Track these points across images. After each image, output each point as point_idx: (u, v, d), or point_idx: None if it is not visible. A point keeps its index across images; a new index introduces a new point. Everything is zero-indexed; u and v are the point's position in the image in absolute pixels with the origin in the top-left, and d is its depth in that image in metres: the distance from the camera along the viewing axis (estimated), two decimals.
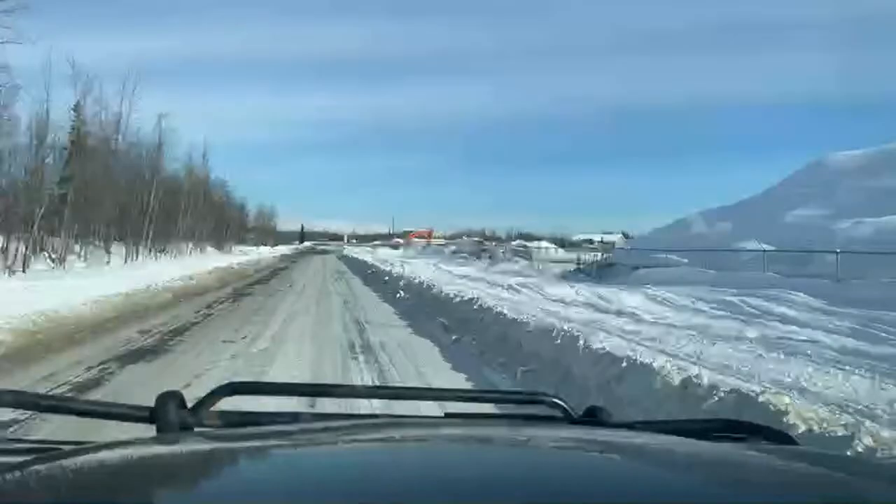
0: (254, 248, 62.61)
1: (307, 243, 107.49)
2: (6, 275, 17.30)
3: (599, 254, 34.08)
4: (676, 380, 4.86)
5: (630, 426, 1.09)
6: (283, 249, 75.52)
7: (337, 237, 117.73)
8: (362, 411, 1.45)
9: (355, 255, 49.27)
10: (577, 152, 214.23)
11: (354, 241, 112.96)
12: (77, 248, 24.54)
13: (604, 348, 6.07)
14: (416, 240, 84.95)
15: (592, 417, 1.12)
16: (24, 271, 18.76)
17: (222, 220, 50.16)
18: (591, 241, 64.92)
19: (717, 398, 4.40)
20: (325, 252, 78.11)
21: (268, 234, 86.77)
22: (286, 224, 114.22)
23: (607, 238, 66.89)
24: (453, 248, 59.09)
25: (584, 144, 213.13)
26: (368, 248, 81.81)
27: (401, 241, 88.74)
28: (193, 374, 6.43)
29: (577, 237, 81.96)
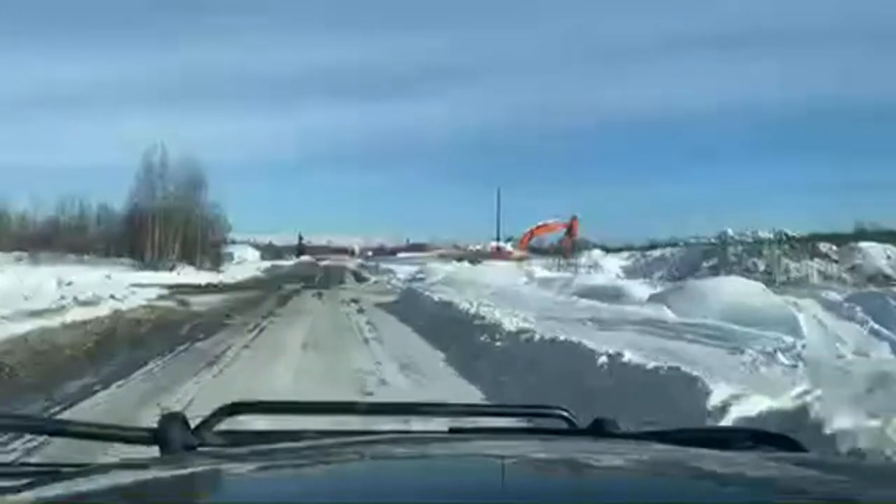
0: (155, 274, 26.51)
1: (305, 258, 76.59)
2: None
3: None
4: None
5: (636, 437, 1.09)
6: (223, 278, 29.25)
7: (345, 251, 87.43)
8: (364, 427, 1.44)
9: None
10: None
11: (369, 253, 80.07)
12: None
13: None
14: (499, 250, 43.38)
15: (599, 429, 1.13)
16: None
17: None
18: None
19: None
20: (341, 284, 27.25)
21: (215, 248, 40.82)
22: (283, 238, 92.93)
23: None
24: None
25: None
26: (460, 264, 32.14)
27: (508, 247, 44.58)
28: None
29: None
